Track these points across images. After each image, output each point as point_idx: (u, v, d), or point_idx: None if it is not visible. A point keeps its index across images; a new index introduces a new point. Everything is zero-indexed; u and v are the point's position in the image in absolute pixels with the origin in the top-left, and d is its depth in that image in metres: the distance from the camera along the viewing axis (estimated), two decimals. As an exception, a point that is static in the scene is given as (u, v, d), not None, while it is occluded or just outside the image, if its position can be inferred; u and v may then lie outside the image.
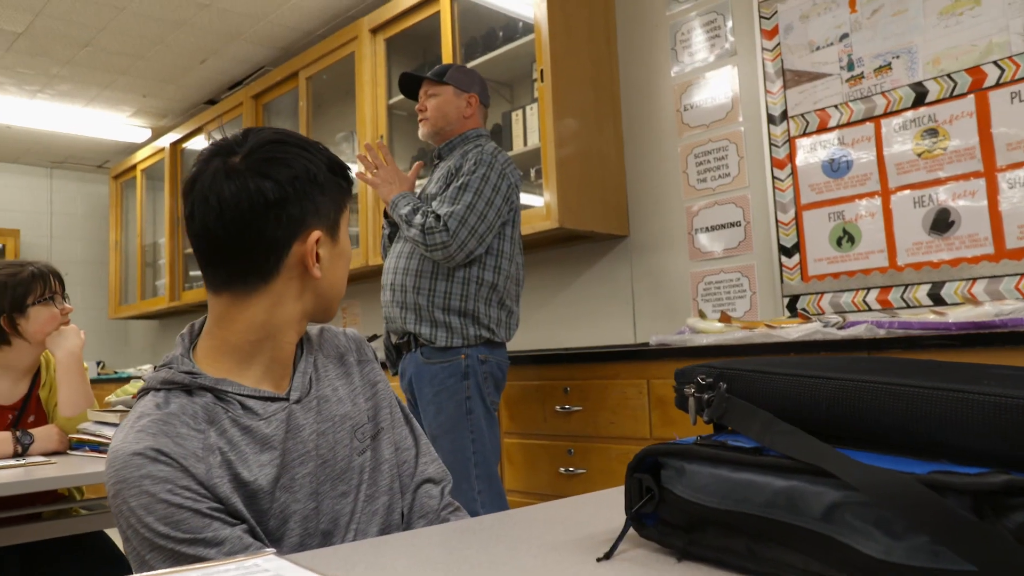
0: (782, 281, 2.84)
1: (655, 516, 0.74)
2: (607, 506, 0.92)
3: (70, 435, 2.04)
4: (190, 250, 5.81)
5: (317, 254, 1.02)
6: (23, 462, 1.82)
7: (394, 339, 2.51)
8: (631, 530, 0.75)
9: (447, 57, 3.57)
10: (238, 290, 1.00)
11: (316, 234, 1.01)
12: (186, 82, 5.20)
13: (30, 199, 6.78)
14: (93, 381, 5.43)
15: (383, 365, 2.70)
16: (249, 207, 0.97)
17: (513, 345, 3.62)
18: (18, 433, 1.95)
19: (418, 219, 2.33)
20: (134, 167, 6.17)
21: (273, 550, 0.78)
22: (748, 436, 0.67)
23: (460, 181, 2.36)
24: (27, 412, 2.10)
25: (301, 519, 0.99)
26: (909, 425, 0.59)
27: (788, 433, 0.63)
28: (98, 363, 6.18)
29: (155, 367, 1.02)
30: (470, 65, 3.55)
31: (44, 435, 1.99)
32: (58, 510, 2.02)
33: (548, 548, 0.76)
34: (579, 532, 0.81)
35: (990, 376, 0.65)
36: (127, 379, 5.13)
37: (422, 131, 2.58)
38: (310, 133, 4.48)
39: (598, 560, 0.70)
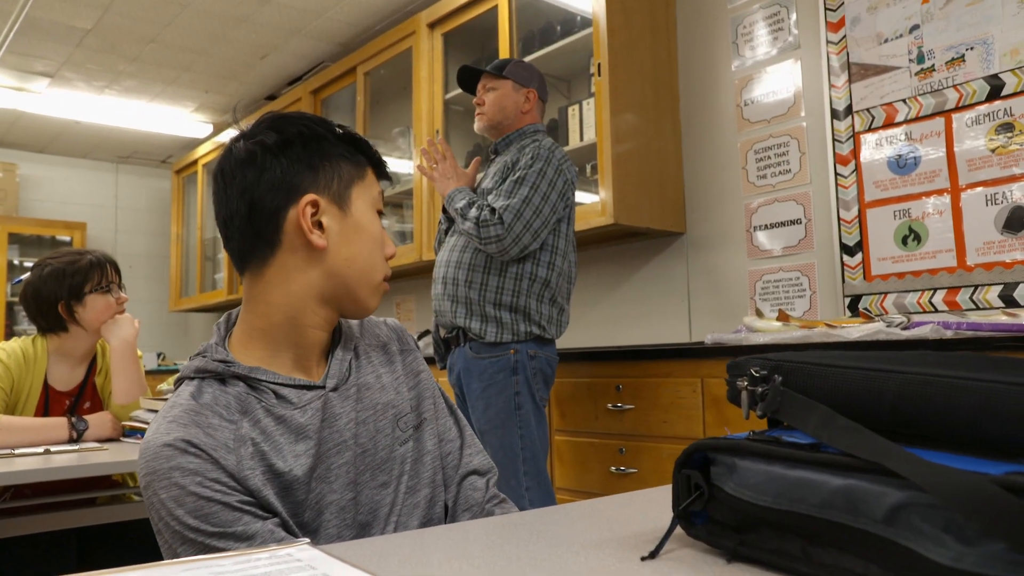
0: (844, 280, 2.75)
1: (704, 515, 0.70)
2: (655, 504, 0.89)
3: (123, 422, 2.07)
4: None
5: (320, 222, 1.00)
6: (77, 448, 1.86)
7: (443, 333, 2.50)
8: (679, 529, 0.71)
9: (504, 52, 3.55)
10: (253, 267, 1.02)
11: (309, 197, 1.00)
12: (247, 78, 5.29)
13: (97, 193, 6.98)
14: (154, 372, 5.58)
15: (430, 360, 2.72)
16: (243, 178, 0.99)
17: (566, 342, 3.59)
18: (73, 419, 1.99)
19: (473, 212, 2.33)
20: (195, 162, 6.31)
21: (307, 540, 0.77)
22: (805, 432, 0.63)
23: (517, 175, 2.34)
24: (83, 399, 2.15)
25: (338, 510, 0.97)
26: (983, 422, 0.55)
27: (849, 429, 0.59)
28: (158, 354, 6.34)
29: (191, 356, 1.02)
30: (527, 60, 3.52)
31: (98, 422, 2.03)
32: (112, 496, 2.06)
33: (592, 545, 0.73)
34: (625, 530, 0.77)
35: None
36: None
37: (478, 124, 2.57)
38: (367, 128, 4.52)
39: (642, 559, 0.67)
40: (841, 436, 0.59)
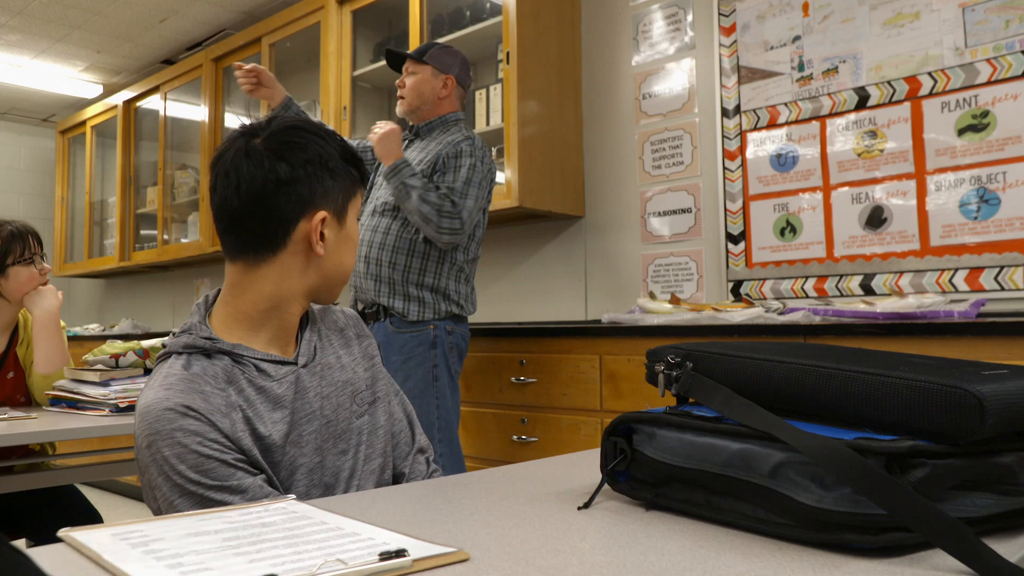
0: (728, 266, 3.02)
1: (626, 474, 0.87)
2: (579, 467, 1.06)
3: (45, 392, 2.09)
4: (143, 210, 5.74)
5: (322, 233, 1.13)
6: (7, 416, 1.88)
7: (360, 306, 2.61)
8: (606, 486, 0.88)
9: (413, 33, 3.63)
10: (250, 259, 1.11)
11: (322, 214, 1.12)
12: (144, 40, 5.13)
13: (-29, 150, 6.60)
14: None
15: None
16: (263, 184, 1.08)
17: (470, 317, 3.75)
18: None
19: (434, 197, 2.38)
20: (84, 123, 6.06)
21: (293, 496, 0.90)
22: (711, 408, 0.81)
23: (464, 174, 2.44)
24: (5, 368, 2.15)
25: (307, 472, 1.11)
26: (841, 401, 0.73)
27: (744, 406, 0.77)
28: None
29: (174, 334, 1.12)
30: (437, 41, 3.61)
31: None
32: (30, 463, 2.08)
33: (534, 499, 0.89)
34: (558, 487, 0.94)
35: (907, 363, 0.80)
36: (73, 337, 5.10)
37: (399, 109, 2.66)
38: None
39: (579, 508, 0.84)
40: (739, 411, 0.77)
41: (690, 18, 3.18)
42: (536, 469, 1.07)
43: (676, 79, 3.20)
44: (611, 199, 3.37)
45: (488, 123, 3.46)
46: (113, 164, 5.78)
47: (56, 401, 2.05)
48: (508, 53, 3.23)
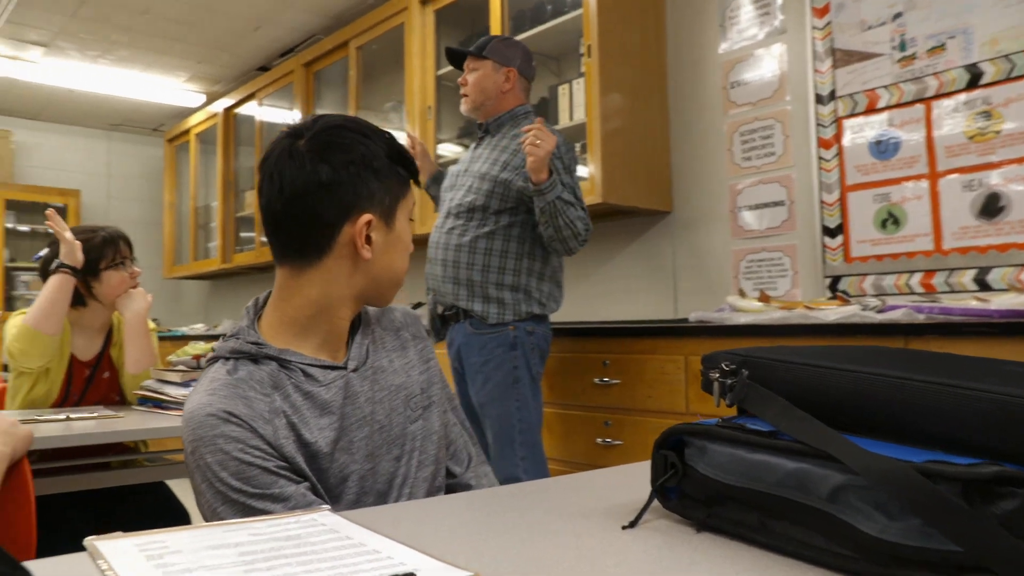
0: (824, 262, 2.85)
1: (678, 490, 0.80)
2: (637, 478, 0.98)
3: (134, 391, 2.16)
4: (242, 214, 5.94)
5: (368, 236, 1.08)
6: (96, 415, 1.94)
7: (440, 309, 2.59)
8: (656, 502, 0.81)
9: (495, 29, 3.60)
10: (296, 263, 1.09)
11: (367, 217, 1.07)
12: (239, 49, 5.31)
13: (89, 160, 6.99)
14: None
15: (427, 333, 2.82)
16: (304, 187, 1.05)
17: (554, 317, 3.69)
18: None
19: (581, 213, 2.38)
20: (188, 131, 6.33)
21: (328, 507, 0.86)
22: (765, 420, 0.73)
23: (564, 178, 2.37)
24: (101, 368, 2.24)
25: (359, 479, 1.07)
26: (911, 417, 0.64)
27: (801, 419, 0.69)
28: (153, 320, 6.40)
29: (223, 338, 1.11)
30: (518, 38, 3.57)
31: (66, 250, 2.11)
32: (124, 460, 2.16)
33: (579, 514, 0.82)
34: (609, 501, 0.87)
35: (1000, 373, 0.70)
36: (181, 337, 5.32)
37: (463, 107, 2.63)
38: (359, 102, 4.56)
39: (623, 528, 0.77)
40: (795, 426, 0.68)
41: (780, 1, 3.02)
42: (592, 480, 1.01)
43: (766, 66, 3.05)
44: (699, 193, 3.24)
45: (571, 118, 3.39)
46: (215, 170, 6.00)
47: (143, 400, 2.11)
48: (589, 46, 3.15)
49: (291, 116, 5.10)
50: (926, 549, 0.56)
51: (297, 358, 1.07)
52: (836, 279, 2.82)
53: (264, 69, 5.59)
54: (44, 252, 2.11)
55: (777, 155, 3.00)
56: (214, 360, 1.09)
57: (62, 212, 6.58)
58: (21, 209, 6.52)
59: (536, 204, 2.33)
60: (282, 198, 1.06)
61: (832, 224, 2.84)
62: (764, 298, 2.47)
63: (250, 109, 5.60)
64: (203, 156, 6.27)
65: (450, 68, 3.92)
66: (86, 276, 2.14)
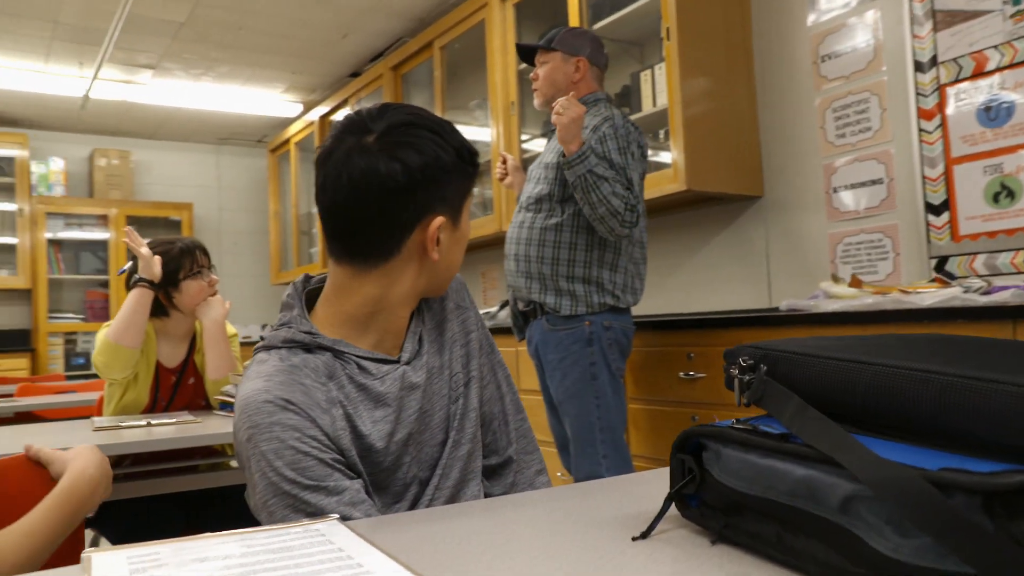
0: (929, 241, 2.65)
1: (698, 497, 0.73)
2: (661, 484, 0.92)
3: (214, 396, 2.23)
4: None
5: (437, 238, 1.04)
6: (175, 420, 2.01)
7: (521, 306, 2.55)
8: (674, 510, 0.74)
9: (573, 18, 3.53)
10: (359, 264, 1.03)
11: (439, 220, 1.03)
12: (330, 57, 5.43)
13: (201, 174, 7.34)
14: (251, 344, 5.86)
15: (507, 330, 2.79)
16: (378, 188, 0.99)
17: (642, 310, 3.59)
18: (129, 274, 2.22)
19: (621, 190, 2.26)
20: (288, 141, 6.54)
21: (336, 516, 0.84)
22: (780, 421, 0.65)
23: (616, 158, 2.30)
24: (187, 374, 2.32)
25: (407, 470, 1.05)
26: (939, 414, 0.56)
27: (814, 420, 0.61)
28: (263, 326, 6.66)
29: (273, 327, 1.07)
30: (598, 26, 3.50)
31: (144, 263, 2.18)
32: (212, 464, 2.23)
33: (591, 524, 0.77)
34: (627, 509, 0.81)
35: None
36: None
37: (536, 102, 2.59)
38: (444, 102, 4.58)
39: (633, 539, 0.71)
40: (808, 427, 0.61)
41: (873, -36, 2.82)
42: (612, 486, 0.95)
43: (859, 35, 2.86)
44: (792, 175, 3.08)
45: (655, 104, 3.28)
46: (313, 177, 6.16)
47: (224, 405, 2.18)
48: (668, 28, 3.04)
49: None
50: (941, 571, 0.48)
51: (351, 350, 1.04)
52: (943, 260, 2.62)
53: (356, 75, 5.71)
54: (128, 266, 2.20)
55: (873, 130, 2.81)
56: (266, 348, 1.04)
57: (176, 225, 6.95)
58: (141, 224, 6.90)
59: (568, 179, 2.27)
60: (353, 198, 1.00)
61: (936, 201, 2.63)
62: (856, 283, 2.31)
63: (344, 115, 5.72)
64: (303, 164, 6.46)
65: (531, 62, 3.88)
66: (166, 287, 2.21)
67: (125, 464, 2.10)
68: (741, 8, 3.21)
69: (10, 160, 6.36)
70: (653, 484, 0.93)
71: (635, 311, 3.58)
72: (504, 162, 2.72)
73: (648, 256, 3.55)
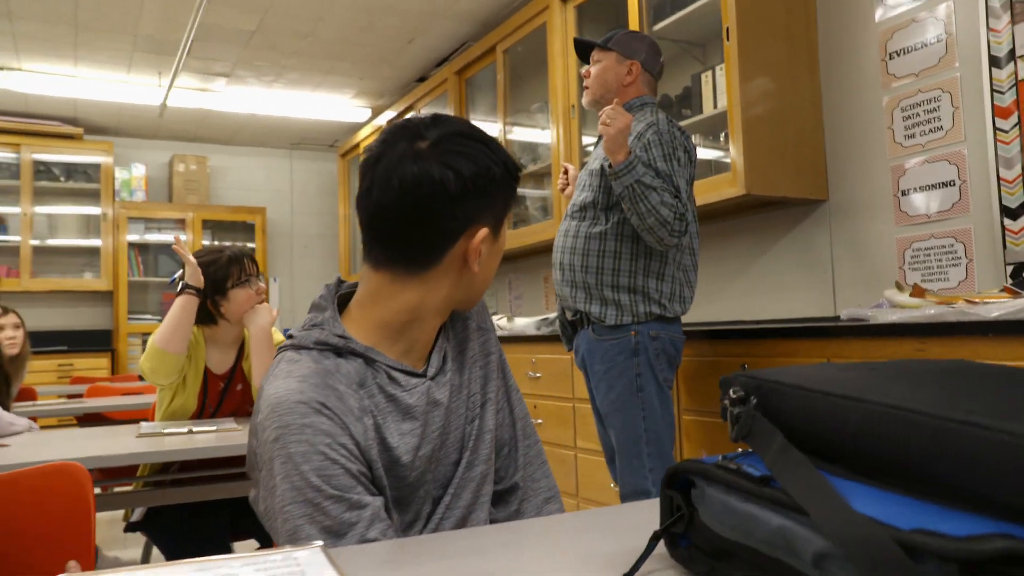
0: (1005, 247, 2.50)
1: (687, 537, 0.69)
2: (654, 515, 0.87)
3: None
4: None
5: (479, 250, 1.03)
6: (215, 428, 2.05)
7: (568, 315, 2.51)
8: (666, 550, 0.70)
9: (633, 19, 3.47)
10: (399, 272, 1.02)
11: (484, 231, 1.02)
12: (397, 62, 5.49)
13: (274, 179, 7.53)
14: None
15: (556, 338, 2.75)
16: (429, 195, 0.98)
17: (700, 318, 3.50)
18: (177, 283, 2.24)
19: (670, 199, 2.20)
20: (357, 145, 6.64)
21: (320, 543, 0.82)
22: (764, 461, 0.60)
23: (662, 166, 2.24)
24: (235, 381, 2.36)
25: (429, 487, 1.04)
26: (931, 461, 0.50)
27: (796, 464, 0.56)
28: (286, 333, 6.77)
29: (304, 327, 1.05)
30: (659, 27, 3.43)
31: (189, 271, 2.21)
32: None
33: (574, 560, 0.73)
34: (614, 545, 0.77)
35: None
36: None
37: (584, 99, 2.54)
38: (507, 106, 4.56)
39: (616, 580, 0.67)
40: (787, 471, 0.56)
41: (946, -45, 2.68)
42: (600, 518, 0.91)
43: (929, 30, 2.71)
44: (858, 178, 2.95)
45: (716, 106, 3.19)
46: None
47: (269, 411, 2.20)
48: (728, 28, 2.95)
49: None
50: (909, 647, 0.43)
51: (382, 359, 1.03)
52: (1020, 267, 2.46)
53: (422, 79, 5.75)
54: (179, 273, 2.25)
55: (945, 130, 2.67)
56: (296, 348, 1.02)
57: (251, 229, 7.14)
58: (217, 228, 7.12)
59: (615, 190, 2.21)
60: (402, 202, 0.98)
61: (1014, 204, 2.48)
62: (918, 292, 2.18)
63: (391, 122, 5.78)
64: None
65: (591, 64, 3.83)
66: (214, 295, 2.25)
67: (173, 470, 2.15)
68: (805, 5, 3.09)
69: (96, 166, 6.64)
70: (649, 514, 0.88)
71: (690, 319, 3.51)
72: (565, 172, 2.68)
73: (706, 262, 3.47)
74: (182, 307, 2.13)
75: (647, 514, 0.90)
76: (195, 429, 2.00)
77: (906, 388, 0.59)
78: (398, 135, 1.01)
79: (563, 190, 2.67)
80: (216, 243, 2.49)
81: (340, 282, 1.12)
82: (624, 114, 2.18)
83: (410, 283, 1.02)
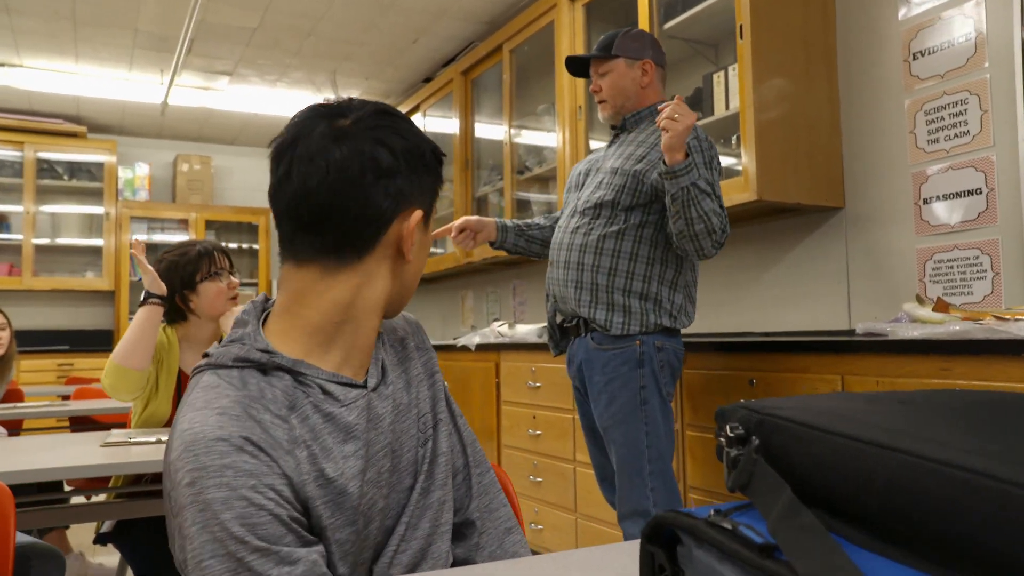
0: (1034, 260, 2.35)
1: (671, 603, 0.55)
2: (633, 561, 0.74)
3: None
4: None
5: (413, 235, 0.96)
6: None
7: (559, 319, 2.38)
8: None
9: (643, 17, 3.35)
10: (329, 263, 0.93)
11: (419, 214, 0.95)
12: (402, 62, 5.38)
13: (279, 180, 7.43)
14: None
15: (544, 347, 2.60)
16: (360, 172, 0.91)
17: (708, 328, 3.36)
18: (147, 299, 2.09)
19: (719, 208, 2.09)
20: (363, 147, 6.54)
21: None
22: (766, 522, 0.47)
23: (702, 170, 2.10)
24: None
25: (381, 516, 0.92)
26: (992, 536, 0.37)
27: (805, 532, 0.43)
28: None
29: (221, 343, 0.94)
30: (670, 25, 3.31)
31: (149, 279, 2.08)
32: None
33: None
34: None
35: None
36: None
37: (602, 115, 2.41)
38: (513, 106, 4.44)
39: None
40: (793, 542, 0.43)
41: (973, -49, 2.54)
42: (579, 560, 0.77)
43: (957, 28, 2.57)
44: (877, 185, 2.80)
45: (727, 107, 3.05)
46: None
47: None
48: (741, 26, 2.82)
49: (452, 125, 5.08)
50: None
51: (314, 372, 0.91)
52: (1050, 281, 2.31)
53: (428, 80, 5.64)
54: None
55: (972, 135, 2.52)
56: (213, 368, 0.89)
57: (254, 230, 7.04)
58: (220, 228, 7.03)
59: (668, 190, 2.05)
60: (328, 184, 0.89)
61: (1043, 214, 2.33)
62: (942, 306, 2.03)
63: (416, 121, 5.67)
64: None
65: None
66: (183, 290, 2.14)
67: (145, 480, 2.03)
68: (823, 2, 2.95)
69: (100, 165, 6.57)
70: (630, 558, 0.74)
71: (697, 329, 3.37)
72: (462, 230, 2.44)
73: (715, 271, 3.33)
74: (144, 319, 2.01)
75: (626, 559, 0.76)
76: (163, 438, 1.88)
77: (952, 432, 0.46)
78: (312, 118, 0.93)
79: (461, 242, 2.47)
80: (189, 239, 2.35)
81: (267, 299, 1.01)
82: (690, 111, 2.02)
83: (341, 276, 0.92)
